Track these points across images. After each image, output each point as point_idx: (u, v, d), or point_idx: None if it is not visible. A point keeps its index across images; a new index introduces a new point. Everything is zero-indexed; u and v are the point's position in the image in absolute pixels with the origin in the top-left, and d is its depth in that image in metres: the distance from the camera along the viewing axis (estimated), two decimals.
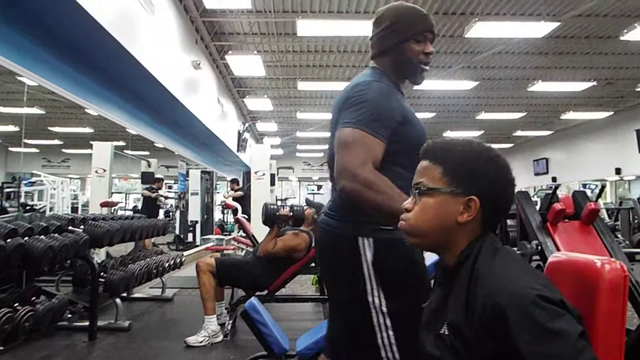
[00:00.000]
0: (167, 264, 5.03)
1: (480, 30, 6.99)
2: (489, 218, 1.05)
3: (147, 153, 12.80)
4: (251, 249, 5.39)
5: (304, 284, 6.38)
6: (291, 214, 4.01)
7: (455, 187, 1.04)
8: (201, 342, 3.64)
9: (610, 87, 11.37)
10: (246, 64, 8.55)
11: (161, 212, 12.01)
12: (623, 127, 13.64)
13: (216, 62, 9.22)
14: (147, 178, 10.00)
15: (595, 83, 10.61)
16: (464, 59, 9.13)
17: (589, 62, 9.49)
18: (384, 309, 1.42)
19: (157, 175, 10.25)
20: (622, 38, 7.58)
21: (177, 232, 11.34)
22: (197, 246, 10.05)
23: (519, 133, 17.11)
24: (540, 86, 10.51)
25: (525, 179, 18.69)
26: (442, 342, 1.01)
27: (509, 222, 6.34)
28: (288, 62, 9.54)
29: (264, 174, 9.33)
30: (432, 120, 14.53)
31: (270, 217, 3.92)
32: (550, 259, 1.10)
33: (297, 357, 2.24)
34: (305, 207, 4.24)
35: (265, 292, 3.96)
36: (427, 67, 1.69)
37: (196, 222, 11.30)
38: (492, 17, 7.16)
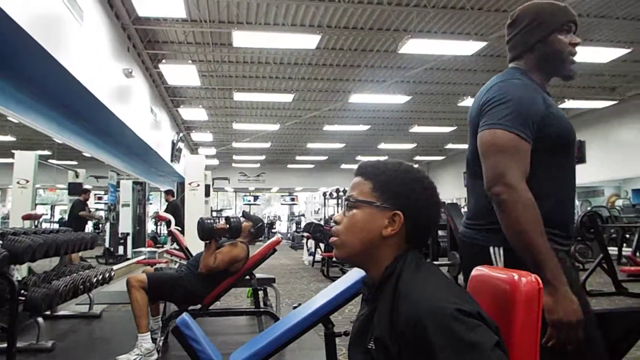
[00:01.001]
0: (95, 279, 4.81)
1: (413, 46, 7.23)
2: (412, 235, 1.10)
3: (74, 163, 12.25)
4: (185, 262, 5.27)
5: (239, 297, 6.30)
6: (228, 226, 3.95)
7: (383, 202, 1.08)
8: None
9: None
10: (180, 73, 8.40)
11: (90, 224, 11.51)
12: None
13: (149, 71, 9.00)
14: (75, 189, 9.56)
15: None
16: (398, 74, 9.39)
17: None
18: None
19: (85, 186, 9.83)
20: None
21: (107, 245, 10.91)
22: (128, 259, 9.71)
23: (450, 146, 17.74)
24: (469, 102, 10.92)
25: (456, 191, 19.37)
26: (370, 357, 1.03)
27: (440, 232, 6.56)
28: (224, 73, 9.46)
29: (198, 185, 9.16)
30: (367, 133, 14.81)
31: (208, 232, 3.85)
32: (472, 273, 1.15)
33: None
34: (242, 220, 4.21)
35: (199, 306, 3.88)
36: (575, 59, 1.59)
37: (127, 234, 10.92)
38: (423, 34, 7.41)
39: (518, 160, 1.32)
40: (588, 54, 7.92)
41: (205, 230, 3.85)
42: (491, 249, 1.39)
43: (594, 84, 10.64)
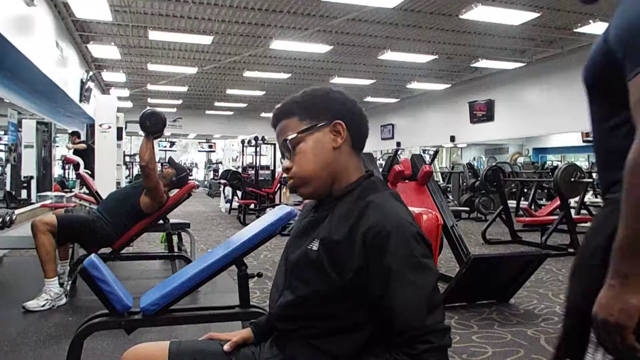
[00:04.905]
0: None
1: None
2: (357, 141, 1.14)
3: None
4: (95, 206, 5.11)
5: (153, 242, 6.22)
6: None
7: (318, 121, 1.11)
8: (43, 305, 3.40)
9: (449, 61, 12.39)
10: (89, 5, 7.81)
11: None
12: (458, 98, 15.03)
13: (54, 0, 8.30)
14: None
15: (437, 56, 11.50)
16: (320, 22, 9.29)
17: (432, 36, 10.22)
18: None
19: None
20: (461, 17, 8.26)
21: (7, 188, 10.24)
22: (32, 204, 9.20)
23: (369, 99, 18.00)
24: (389, 55, 11.12)
25: (373, 143, 19.83)
26: (306, 256, 1.07)
27: None
28: (138, 9, 8.91)
29: (109, 127, 8.74)
30: (288, 82, 14.69)
31: (162, 122, 3.83)
32: None
33: (141, 313, 2.20)
34: (166, 166, 4.20)
35: (110, 250, 3.79)
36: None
37: (31, 177, 10.29)
38: None
39: None
40: (501, 16, 8.21)
41: (161, 121, 3.78)
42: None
43: (506, 46, 11.11)
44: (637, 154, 0.88)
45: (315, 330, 1.06)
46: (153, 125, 3.71)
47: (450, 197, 11.37)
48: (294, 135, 1.11)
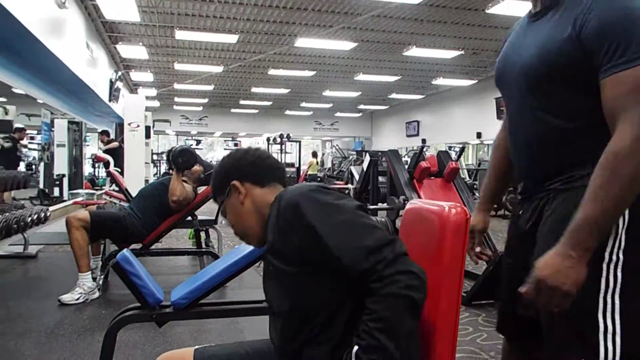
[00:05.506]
0: (29, 219, 4.69)
1: None
2: (259, 180, 1.27)
3: (3, 99, 11.59)
4: (125, 204, 5.22)
5: (181, 239, 6.31)
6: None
7: (223, 192, 1.29)
8: (77, 299, 3.50)
9: (475, 56, 12.24)
10: (118, 7, 7.96)
11: (22, 165, 11.05)
12: (485, 95, 14.83)
13: (84, 3, 8.48)
14: (4, 127, 9.08)
15: (463, 52, 11.38)
16: (345, 20, 9.29)
17: (458, 31, 10.12)
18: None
19: (17, 125, 9.37)
20: (487, 11, 8.16)
21: (41, 186, 10.52)
22: (65, 201, 9.44)
23: (394, 96, 17.91)
24: (414, 51, 11.05)
25: (398, 140, 19.74)
26: (272, 275, 1.18)
27: (380, 179, 6.74)
28: (165, 9, 9.04)
29: (138, 126, 8.89)
30: (312, 79, 14.71)
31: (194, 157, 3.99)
32: (407, 206, 1.23)
33: (171, 307, 2.25)
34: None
35: (140, 245, 3.87)
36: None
37: (63, 175, 10.55)
38: None
39: None
40: (528, 9, 8.07)
41: (193, 157, 3.94)
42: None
43: None
44: (619, 146, 0.95)
45: (314, 332, 1.09)
46: (185, 162, 3.91)
47: (477, 194, 11.25)
48: (218, 211, 1.33)
